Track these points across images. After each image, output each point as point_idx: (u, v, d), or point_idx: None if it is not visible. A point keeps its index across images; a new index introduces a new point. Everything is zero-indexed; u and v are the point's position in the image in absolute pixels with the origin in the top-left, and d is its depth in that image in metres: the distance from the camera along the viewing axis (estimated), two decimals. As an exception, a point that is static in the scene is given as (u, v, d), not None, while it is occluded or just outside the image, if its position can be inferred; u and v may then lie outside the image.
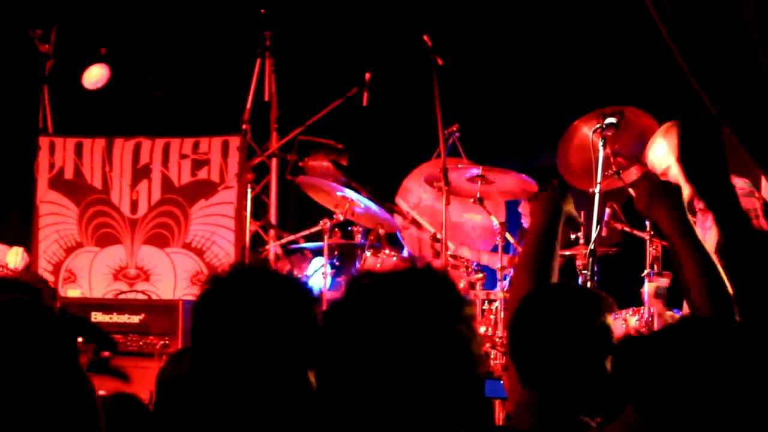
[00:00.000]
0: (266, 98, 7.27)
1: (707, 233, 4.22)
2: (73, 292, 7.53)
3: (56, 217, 7.80)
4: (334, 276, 6.43)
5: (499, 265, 5.88)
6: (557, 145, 5.34)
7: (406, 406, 1.97)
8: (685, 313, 4.35)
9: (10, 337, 2.23)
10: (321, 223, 6.38)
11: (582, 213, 4.58)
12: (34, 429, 2.16)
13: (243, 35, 7.26)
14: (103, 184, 7.70)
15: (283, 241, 6.94)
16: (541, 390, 2.49)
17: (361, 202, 6.24)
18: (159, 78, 7.59)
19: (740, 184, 4.56)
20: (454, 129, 6.33)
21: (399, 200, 6.72)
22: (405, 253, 6.43)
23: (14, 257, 6.07)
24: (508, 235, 5.95)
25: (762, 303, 2.43)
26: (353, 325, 2.03)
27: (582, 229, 5.23)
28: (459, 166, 6.10)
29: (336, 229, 6.45)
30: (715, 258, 2.59)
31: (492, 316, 5.67)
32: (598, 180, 4.79)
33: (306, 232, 6.70)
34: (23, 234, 7.75)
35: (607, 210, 5.26)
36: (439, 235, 6.06)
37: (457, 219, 6.51)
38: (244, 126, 7.27)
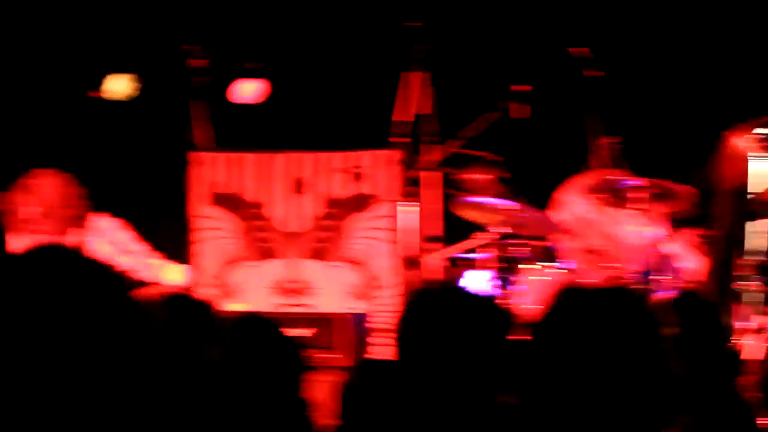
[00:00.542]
0: (423, 111, 8.83)
1: None
2: (234, 308, 8.98)
3: (214, 233, 9.49)
4: (493, 288, 7.87)
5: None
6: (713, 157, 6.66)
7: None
8: None
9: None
10: (481, 236, 7.80)
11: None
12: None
13: (399, 49, 8.86)
14: (260, 198, 9.28)
15: (443, 254, 8.42)
16: None
17: (519, 214, 7.68)
18: (316, 92, 9.10)
19: None
20: (611, 140, 7.77)
21: (554, 212, 8.21)
22: (561, 265, 7.85)
23: (177, 275, 7.36)
24: (668, 246, 7.31)
25: None
26: (563, 337, 2.60)
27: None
28: (614, 178, 7.51)
29: (495, 242, 7.89)
30: None
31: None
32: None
33: (466, 245, 8.12)
34: (178, 249, 9.32)
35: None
36: (595, 247, 7.45)
37: (615, 230, 7.94)
38: (402, 139, 8.84)
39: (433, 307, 2.93)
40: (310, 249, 9.42)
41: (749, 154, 6.52)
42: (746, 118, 6.71)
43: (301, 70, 9.52)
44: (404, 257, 9.07)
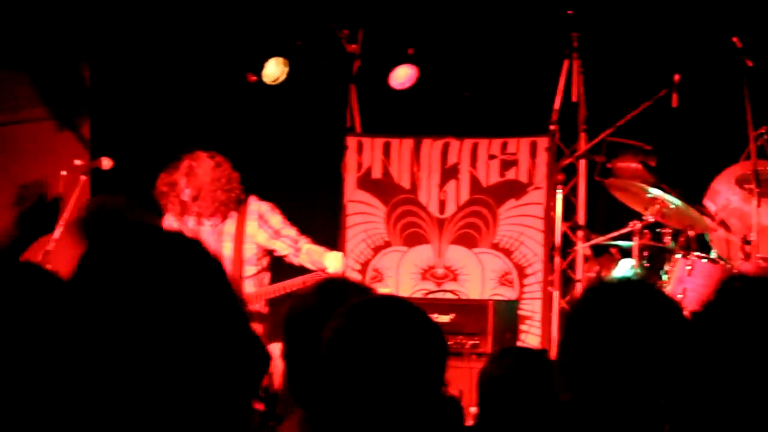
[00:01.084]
0: (574, 99, 9.03)
1: None
2: (383, 291, 9.08)
3: (364, 217, 9.63)
4: (643, 278, 7.83)
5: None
6: None
7: None
8: None
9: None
10: (630, 224, 7.89)
11: None
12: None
13: (551, 36, 8.92)
14: (411, 183, 9.48)
15: (592, 242, 8.46)
16: None
17: (671, 203, 7.65)
18: (468, 78, 9.16)
19: None
20: (763, 131, 7.74)
21: (707, 202, 8.18)
22: (713, 255, 7.80)
23: (334, 261, 7.37)
24: None
25: None
26: (726, 326, 2.55)
27: None
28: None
29: (645, 231, 7.86)
30: None
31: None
32: None
33: (615, 234, 8.22)
34: (331, 234, 9.52)
35: None
36: (749, 238, 7.39)
37: (765, 221, 7.89)
38: (552, 127, 8.99)
39: (611, 301, 2.81)
40: (460, 235, 9.50)
41: None
42: None
43: (452, 56, 9.57)
44: (550, 245, 9.09)
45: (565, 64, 9.19)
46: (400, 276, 9.65)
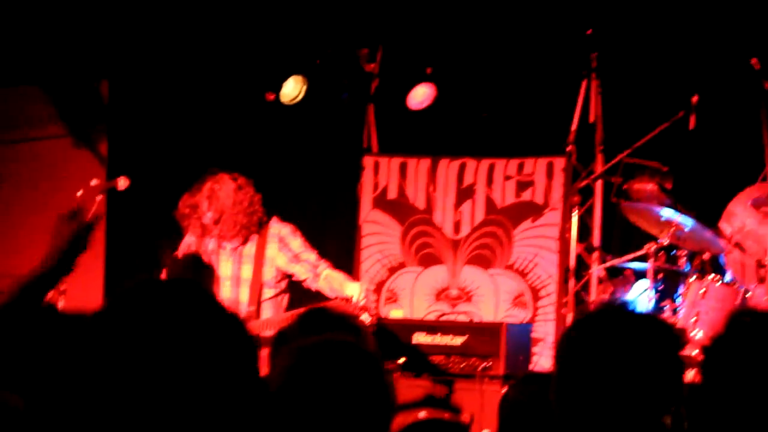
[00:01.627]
0: (591, 120, 8.97)
1: None
2: (396, 313, 9.22)
3: (379, 237, 9.59)
4: (657, 300, 7.79)
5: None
6: None
7: None
8: None
9: (324, 378, 2.66)
10: (646, 246, 7.80)
11: None
12: None
13: (569, 56, 8.93)
14: (427, 204, 9.45)
15: (607, 264, 8.39)
16: None
17: (687, 225, 7.58)
18: (485, 99, 9.14)
19: None
20: (780, 153, 7.67)
21: (723, 224, 8.11)
22: (728, 278, 7.72)
23: (357, 291, 7.18)
24: None
25: None
26: (735, 361, 2.50)
27: None
28: (784, 191, 7.41)
29: (660, 253, 7.80)
30: None
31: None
32: None
33: (630, 256, 8.18)
34: (346, 254, 9.47)
35: None
36: (764, 262, 7.33)
37: (781, 245, 7.80)
38: (569, 147, 8.96)
39: (600, 329, 2.79)
40: (474, 255, 9.46)
41: None
42: None
43: (470, 76, 9.55)
44: (565, 267, 9.03)
45: (583, 84, 9.18)
46: (415, 297, 9.60)
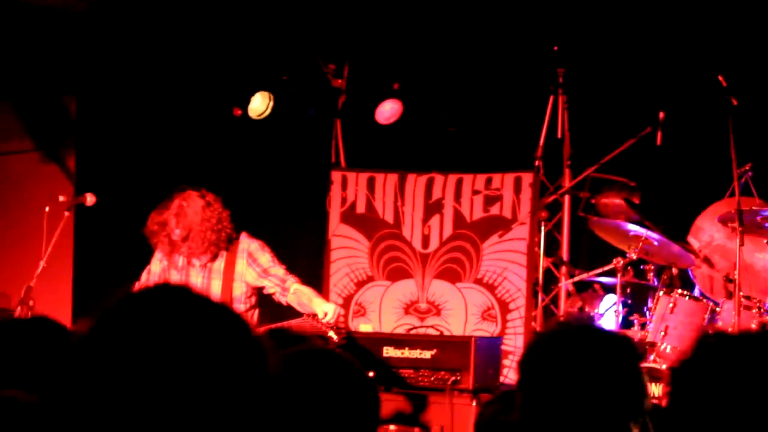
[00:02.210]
0: (559, 135, 8.93)
1: None
2: (365, 327, 9.16)
3: (348, 251, 9.56)
4: (626, 315, 7.77)
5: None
6: None
7: None
8: None
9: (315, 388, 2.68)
10: (614, 261, 7.76)
11: None
12: None
13: (536, 72, 8.88)
14: (395, 218, 9.39)
15: (576, 279, 8.35)
16: None
17: (654, 240, 7.58)
18: (452, 113, 9.13)
19: None
20: (747, 168, 7.70)
21: (691, 239, 8.12)
22: (696, 293, 7.73)
23: (331, 311, 7.15)
24: None
25: None
26: (702, 384, 2.46)
27: None
28: (753, 208, 7.38)
29: (628, 268, 7.78)
30: None
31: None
32: None
33: (599, 270, 8.12)
34: (314, 268, 9.40)
35: None
36: (732, 276, 7.32)
37: (748, 259, 7.86)
38: (536, 162, 8.89)
39: (558, 345, 2.80)
40: (443, 270, 9.42)
41: None
42: None
43: (437, 91, 9.53)
44: (533, 281, 9.01)
45: (551, 99, 9.14)
46: (383, 310, 9.54)
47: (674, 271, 8.07)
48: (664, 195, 8.92)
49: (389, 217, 9.62)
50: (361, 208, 9.69)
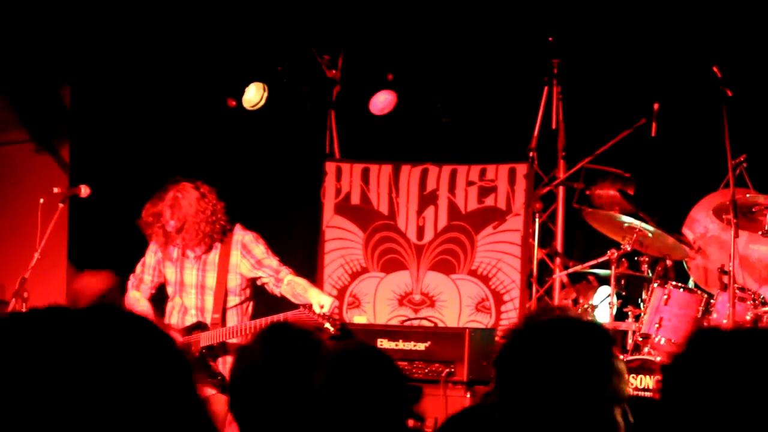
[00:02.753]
0: (553, 126, 8.87)
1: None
2: (359, 319, 9.12)
3: (342, 242, 9.49)
4: (620, 306, 7.72)
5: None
6: None
7: None
8: None
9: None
10: (608, 253, 7.73)
11: None
12: None
13: (531, 63, 8.84)
14: (390, 209, 9.33)
15: (570, 270, 8.31)
16: None
17: (649, 231, 7.53)
18: (446, 104, 9.09)
19: None
20: (742, 159, 7.64)
21: (685, 230, 8.08)
22: (691, 284, 7.68)
23: (329, 303, 7.04)
24: None
25: None
26: (695, 379, 2.45)
27: None
28: (747, 196, 7.33)
29: (623, 259, 7.73)
30: None
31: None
32: None
33: (593, 262, 8.08)
34: (308, 259, 9.36)
35: None
36: (727, 268, 7.28)
37: (743, 251, 7.82)
38: (531, 153, 8.88)
39: (529, 343, 2.82)
40: (437, 261, 9.38)
41: None
42: None
43: (432, 82, 9.49)
44: (527, 272, 8.97)
45: (545, 90, 9.08)
46: (378, 302, 9.51)
47: (668, 262, 8.03)
48: (658, 186, 8.86)
49: (384, 209, 9.57)
50: (355, 199, 9.64)
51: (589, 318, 8.11)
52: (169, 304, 7.45)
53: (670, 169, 8.88)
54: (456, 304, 9.32)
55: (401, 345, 7.98)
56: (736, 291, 7.45)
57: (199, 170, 7.91)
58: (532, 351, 2.77)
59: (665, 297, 7.62)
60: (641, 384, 7.42)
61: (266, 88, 9.41)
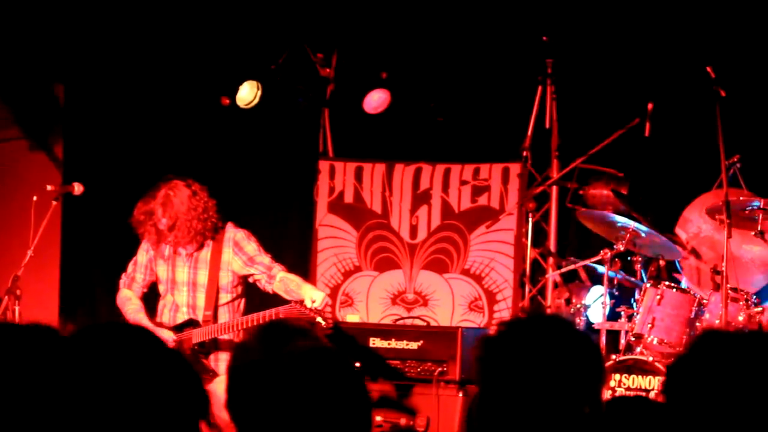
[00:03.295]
0: (547, 126, 8.83)
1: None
2: (352, 318, 9.08)
3: (335, 241, 9.46)
4: (613, 306, 7.68)
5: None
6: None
7: None
8: None
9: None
10: (601, 252, 7.67)
11: None
12: None
13: (524, 62, 8.81)
14: (383, 208, 9.29)
15: (563, 270, 8.27)
16: None
17: (642, 231, 7.49)
18: (440, 103, 9.05)
19: None
20: (735, 160, 7.60)
21: (678, 230, 8.04)
22: (683, 284, 7.64)
23: (320, 298, 7.00)
24: None
25: None
26: (700, 382, 2.46)
27: None
28: (741, 198, 7.29)
29: (616, 259, 7.69)
30: None
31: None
32: None
33: (586, 262, 8.03)
34: (302, 257, 9.33)
35: None
36: (719, 268, 7.23)
37: (736, 251, 7.78)
38: (524, 153, 8.84)
39: (517, 340, 2.83)
40: (430, 260, 9.33)
41: None
42: None
43: (426, 81, 9.44)
44: (521, 271, 8.93)
45: (539, 90, 9.01)
46: (370, 301, 9.46)
47: (661, 262, 7.99)
48: (652, 186, 8.80)
49: (377, 207, 9.51)
50: (348, 198, 9.58)
51: (575, 318, 8.09)
52: (161, 302, 7.41)
53: (664, 169, 8.82)
54: (449, 304, 9.26)
55: (394, 344, 8.00)
56: (729, 291, 7.42)
57: (193, 168, 7.87)
58: (509, 350, 2.77)
59: (658, 297, 7.58)
60: (633, 384, 7.39)
61: (260, 86, 9.36)
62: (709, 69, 7.58)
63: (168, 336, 7.09)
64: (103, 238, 9.63)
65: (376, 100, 9.38)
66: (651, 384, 7.35)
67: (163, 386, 2.15)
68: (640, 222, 7.80)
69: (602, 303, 7.86)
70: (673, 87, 8.55)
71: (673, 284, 7.74)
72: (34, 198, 7.74)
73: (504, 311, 9.05)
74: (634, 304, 7.77)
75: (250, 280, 7.31)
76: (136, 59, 9.76)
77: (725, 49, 8.33)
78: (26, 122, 10.21)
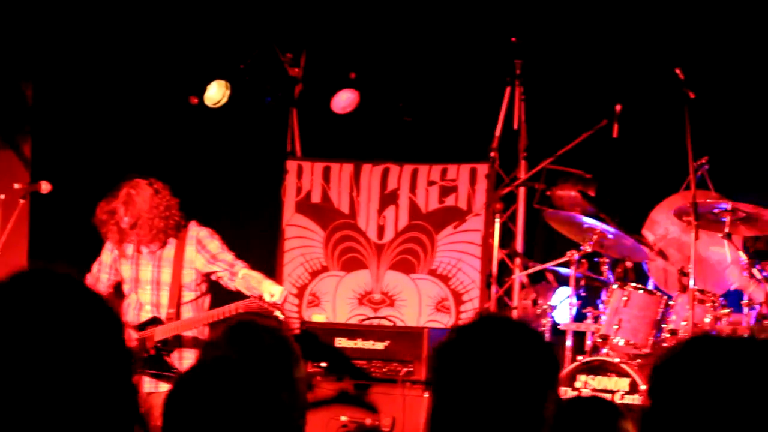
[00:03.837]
0: (515, 126, 8.75)
1: None
2: (318, 317, 8.99)
3: (302, 241, 9.37)
4: (579, 308, 7.59)
5: (746, 301, 6.98)
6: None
7: None
8: None
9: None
10: (568, 254, 7.59)
11: None
12: None
13: (493, 63, 8.73)
14: (350, 208, 9.22)
15: (530, 270, 8.17)
16: None
17: (609, 233, 7.40)
18: (408, 104, 8.97)
19: None
20: (703, 161, 7.50)
21: (646, 232, 7.95)
22: (650, 286, 7.55)
23: (279, 293, 6.95)
24: (755, 271, 7.02)
25: None
26: (681, 385, 2.43)
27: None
28: (708, 200, 7.19)
29: (583, 260, 7.60)
30: None
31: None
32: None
33: (553, 263, 7.94)
34: (268, 257, 9.22)
35: None
36: (686, 270, 7.15)
37: (703, 252, 7.68)
38: (492, 154, 8.80)
39: (471, 343, 2.80)
40: (398, 260, 9.24)
41: None
42: None
43: (394, 81, 9.37)
44: (487, 272, 8.84)
45: (507, 91, 8.94)
46: (337, 301, 9.36)
47: (629, 264, 7.89)
48: (619, 188, 8.71)
49: (344, 207, 9.41)
50: (316, 198, 9.48)
51: (541, 318, 7.98)
52: (125, 302, 7.32)
53: (632, 171, 8.75)
54: (416, 304, 9.16)
55: (360, 344, 7.98)
56: (696, 293, 7.33)
57: (161, 168, 7.81)
58: (459, 356, 2.76)
59: (625, 299, 7.51)
60: (599, 385, 7.33)
61: (229, 85, 9.28)
62: (677, 71, 7.49)
63: (130, 335, 7.02)
64: (70, 236, 9.50)
65: (344, 100, 9.32)
66: (617, 385, 7.30)
67: (85, 331, 2.11)
68: (607, 223, 7.73)
69: (569, 304, 7.78)
70: (641, 88, 8.46)
71: (639, 286, 7.65)
72: (2, 196, 7.75)
73: (471, 312, 8.96)
74: (601, 305, 7.68)
75: (213, 277, 7.22)
76: (104, 58, 9.64)
77: (694, 50, 8.26)
78: (-6, 120, 10.08)
